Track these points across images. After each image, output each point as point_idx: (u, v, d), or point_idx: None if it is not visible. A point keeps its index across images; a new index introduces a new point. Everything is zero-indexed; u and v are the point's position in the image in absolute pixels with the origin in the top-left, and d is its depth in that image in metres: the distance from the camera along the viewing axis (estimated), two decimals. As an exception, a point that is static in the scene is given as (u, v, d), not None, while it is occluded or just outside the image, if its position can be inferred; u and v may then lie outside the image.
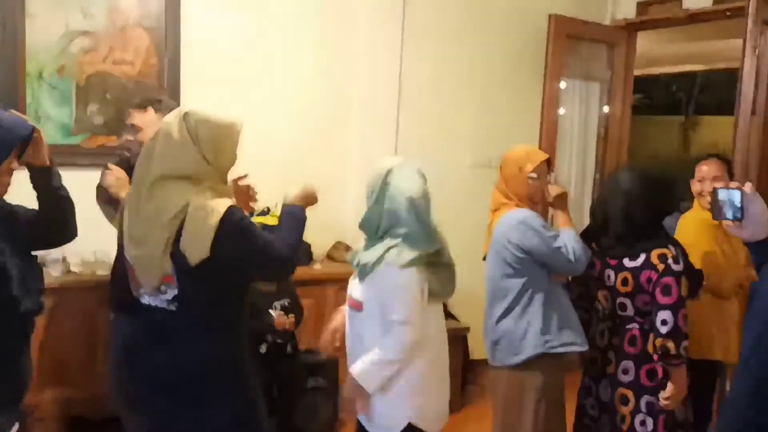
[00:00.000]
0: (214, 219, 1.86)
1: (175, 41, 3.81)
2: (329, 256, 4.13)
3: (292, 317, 3.12)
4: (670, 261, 2.46)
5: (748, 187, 1.68)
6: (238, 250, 1.91)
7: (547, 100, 4.56)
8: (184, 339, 1.99)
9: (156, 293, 1.97)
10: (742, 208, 1.67)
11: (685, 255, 2.62)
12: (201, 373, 1.98)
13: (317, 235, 4.07)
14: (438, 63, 4.52)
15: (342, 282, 3.91)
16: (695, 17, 4.35)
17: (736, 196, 1.69)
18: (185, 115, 1.96)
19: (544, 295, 2.61)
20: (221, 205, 1.89)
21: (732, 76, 11.98)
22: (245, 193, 2.26)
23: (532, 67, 4.70)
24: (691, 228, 3.08)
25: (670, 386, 2.50)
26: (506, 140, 4.74)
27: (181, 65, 3.83)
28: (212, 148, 1.95)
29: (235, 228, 1.89)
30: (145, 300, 2.01)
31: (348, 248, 4.22)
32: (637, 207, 2.53)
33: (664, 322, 2.44)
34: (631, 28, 4.86)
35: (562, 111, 4.86)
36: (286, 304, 3.16)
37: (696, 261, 2.96)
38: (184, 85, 3.85)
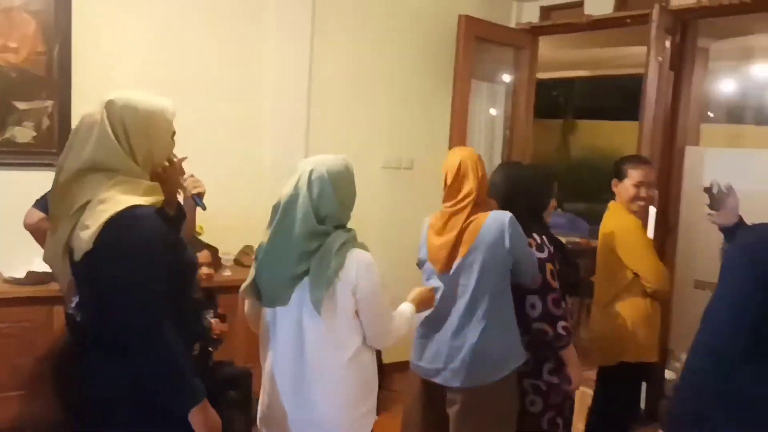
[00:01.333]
0: (111, 211, 1.67)
1: (66, 27, 3.48)
2: (237, 262, 3.90)
3: (226, 325, 3.00)
4: (533, 249, 2.57)
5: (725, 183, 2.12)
6: (120, 251, 1.66)
7: (457, 101, 4.55)
8: (96, 356, 1.77)
9: (69, 301, 1.81)
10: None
11: (557, 245, 2.74)
12: (112, 394, 1.75)
13: (224, 238, 3.85)
14: (349, 62, 4.43)
15: (252, 289, 3.75)
16: (597, 23, 4.48)
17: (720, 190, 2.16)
18: (108, 103, 1.77)
19: (511, 306, 2.55)
20: (129, 200, 1.70)
21: (610, 83, 12.65)
22: (176, 175, 2.00)
23: (443, 67, 4.69)
24: (637, 234, 3.09)
25: (569, 370, 2.64)
26: (417, 141, 4.74)
27: (72, 54, 3.50)
28: (139, 138, 1.77)
29: (129, 224, 1.67)
30: (69, 308, 1.83)
31: (258, 253, 4.01)
32: (503, 200, 2.63)
33: (533, 306, 2.56)
34: (535, 32, 4.94)
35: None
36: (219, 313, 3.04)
37: (645, 269, 3.03)
38: (76, 76, 3.52)
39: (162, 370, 1.68)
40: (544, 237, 2.64)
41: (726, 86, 5.65)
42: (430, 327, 2.59)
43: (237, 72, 4.05)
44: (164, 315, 1.69)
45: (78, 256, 1.67)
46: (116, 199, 1.69)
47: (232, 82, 4.03)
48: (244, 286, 2.15)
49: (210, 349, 2.98)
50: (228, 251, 3.84)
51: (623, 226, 3.08)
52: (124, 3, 3.66)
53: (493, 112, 5.08)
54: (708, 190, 2.22)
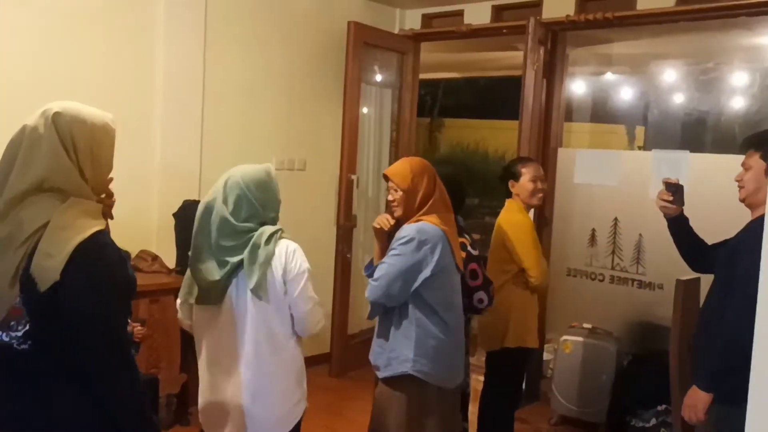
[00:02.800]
0: (76, 239, 1.57)
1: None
2: (135, 267, 3.82)
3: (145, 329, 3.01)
4: (469, 248, 2.82)
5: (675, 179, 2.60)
6: (89, 283, 1.59)
7: (348, 104, 4.69)
8: (44, 387, 1.65)
9: (6, 329, 1.64)
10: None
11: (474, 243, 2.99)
12: (75, 419, 1.66)
13: (119, 244, 3.76)
14: (243, 65, 4.46)
15: (152, 294, 3.70)
16: (476, 32, 4.78)
17: (681, 187, 2.57)
18: (56, 116, 1.64)
19: None
20: (89, 226, 1.60)
21: (472, 84, 13.21)
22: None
23: (333, 71, 4.82)
24: (527, 231, 3.32)
25: None
26: (310, 143, 4.84)
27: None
28: (89, 156, 1.67)
29: (96, 254, 1.60)
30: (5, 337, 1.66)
31: (155, 257, 3.95)
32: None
33: (480, 301, 2.87)
34: (418, 39, 5.18)
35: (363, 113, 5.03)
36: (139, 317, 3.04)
37: (531, 265, 3.28)
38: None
39: (127, 404, 1.65)
40: (471, 237, 2.86)
41: (579, 89, 6.17)
42: (459, 329, 2.64)
43: (127, 74, 3.95)
44: (128, 346, 1.69)
45: (44, 287, 1.55)
46: (76, 225, 1.59)
47: (122, 84, 3.93)
48: (181, 291, 2.29)
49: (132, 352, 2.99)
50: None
51: (516, 222, 3.33)
52: (9, 2, 3.49)
53: (380, 113, 5.27)
54: (673, 185, 2.61)
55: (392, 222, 2.60)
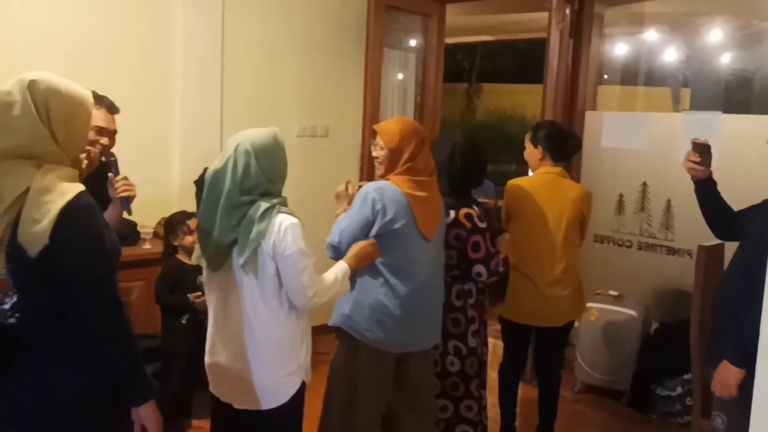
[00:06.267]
0: (60, 202, 1.58)
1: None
2: (157, 234, 3.87)
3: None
4: (476, 220, 2.76)
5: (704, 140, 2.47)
6: (81, 242, 1.62)
7: (370, 69, 4.61)
8: (34, 360, 1.66)
9: None
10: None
11: (490, 215, 2.91)
12: (55, 408, 1.66)
13: (141, 211, 3.80)
14: (262, 31, 4.40)
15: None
16: (502, -9, 4.64)
17: (708, 147, 2.42)
18: (31, 83, 1.64)
19: None
20: (71, 188, 1.62)
21: (509, 47, 12.92)
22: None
23: (355, 35, 4.74)
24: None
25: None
26: (332, 109, 4.79)
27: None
28: (64, 125, 1.67)
29: (83, 214, 1.62)
30: None
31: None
32: (444, 174, 2.80)
33: (479, 275, 2.79)
34: (443, 0, 5.05)
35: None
36: None
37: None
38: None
39: (128, 361, 1.69)
40: (481, 209, 2.83)
41: (620, 50, 5.98)
42: (417, 297, 2.57)
43: (144, 40, 3.95)
44: (121, 304, 1.69)
45: (33, 252, 1.56)
46: (59, 188, 1.60)
47: (139, 51, 3.93)
48: (195, 255, 2.28)
49: (200, 317, 3.04)
50: (145, 224, 3.80)
51: (587, 193, 3.24)
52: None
53: (404, 78, 5.18)
54: (700, 145, 2.47)
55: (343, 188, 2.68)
